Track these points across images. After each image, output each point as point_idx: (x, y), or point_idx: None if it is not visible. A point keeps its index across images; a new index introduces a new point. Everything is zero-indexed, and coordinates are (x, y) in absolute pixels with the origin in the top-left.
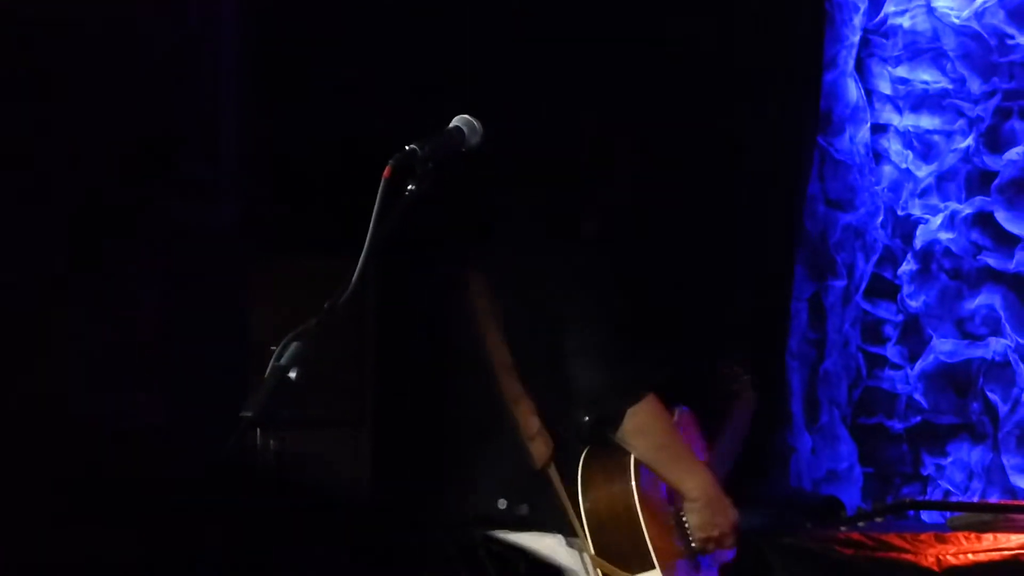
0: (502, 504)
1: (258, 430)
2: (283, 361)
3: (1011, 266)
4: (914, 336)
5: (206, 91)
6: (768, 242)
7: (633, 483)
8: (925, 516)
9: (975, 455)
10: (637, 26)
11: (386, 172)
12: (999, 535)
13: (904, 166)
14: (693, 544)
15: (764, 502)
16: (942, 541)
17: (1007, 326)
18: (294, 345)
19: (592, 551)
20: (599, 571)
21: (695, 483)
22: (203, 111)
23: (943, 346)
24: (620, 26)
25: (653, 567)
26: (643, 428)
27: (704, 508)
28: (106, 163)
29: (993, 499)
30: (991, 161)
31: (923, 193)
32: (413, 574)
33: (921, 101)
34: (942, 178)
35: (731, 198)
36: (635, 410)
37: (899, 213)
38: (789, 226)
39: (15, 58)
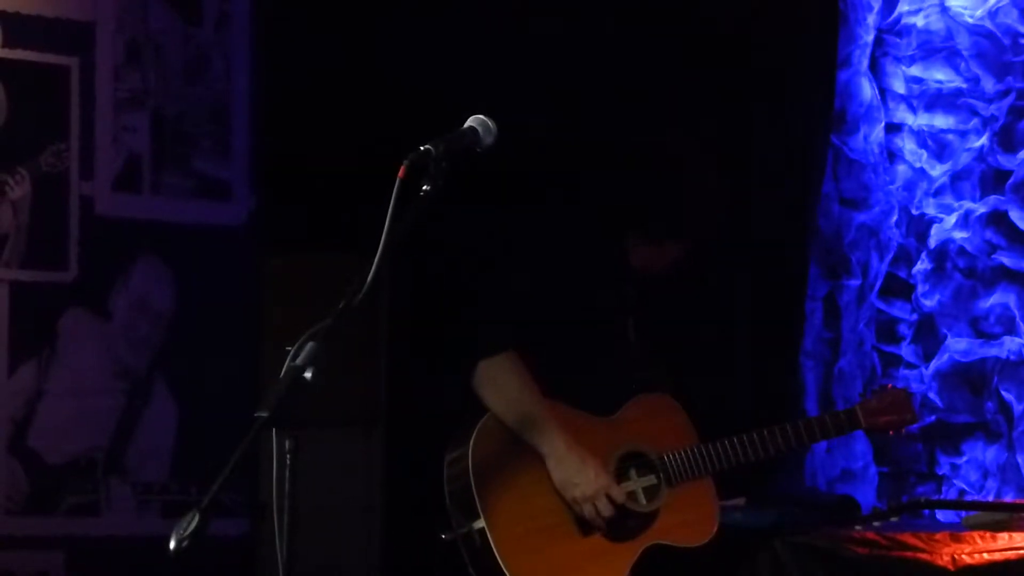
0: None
1: (273, 429)
2: (299, 361)
3: None
4: (928, 335)
5: (219, 90)
6: (782, 241)
7: (472, 440)
8: (940, 515)
9: (990, 454)
10: (650, 26)
11: (401, 172)
12: (1014, 534)
13: (918, 165)
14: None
15: (778, 501)
16: (957, 540)
17: (1022, 325)
18: (309, 345)
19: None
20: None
21: (546, 440)
22: (216, 110)
23: (957, 345)
24: (633, 27)
25: (478, 516)
26: (492, 380)
27: (557, 466)
28: None
29: (1008, 498)
30: (1005, 160)
31: (937, 192)
32: None
33: (935, 100)
34: (956, 177)
35: (745, 197)
36: (488, 363)
37: (913, 212)
38: (803, 225)
39: None
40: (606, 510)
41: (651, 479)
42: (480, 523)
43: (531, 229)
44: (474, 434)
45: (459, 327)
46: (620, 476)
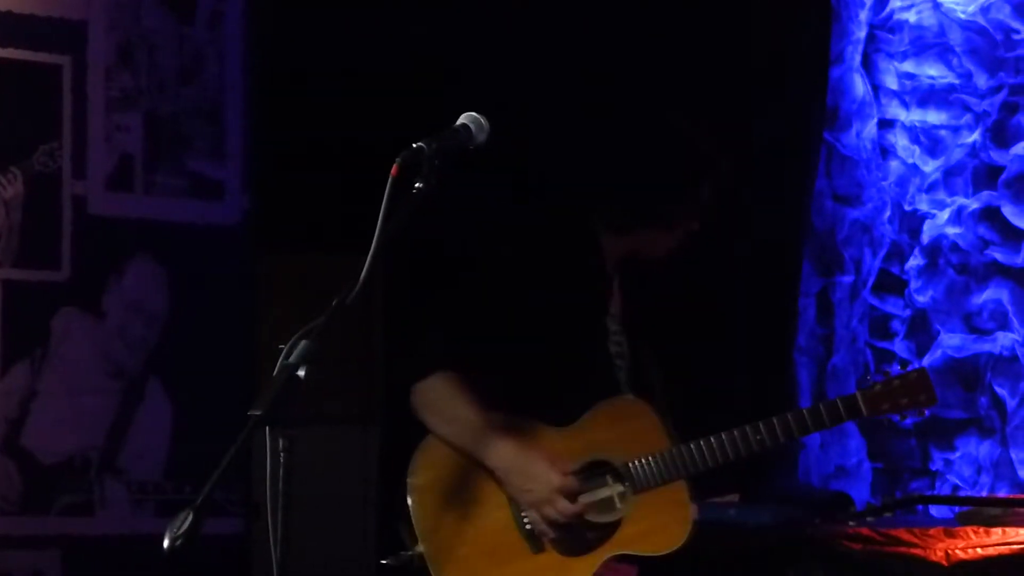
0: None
1: (267, 428)
2: (292, 359)
3: (1018, 260)
4: (922, 331)
5: (213, 89)
6: (776, 238)
7: (412, 464)
8: (934, 511)
9: (983, 449)
10: (643, 24)
11: (393, 170)
12: (1008, 529)
13: (911, 161)
14: (528, 525)
15: (772, 498)
16: (951, 535)
17: (1015, 320)
18: (303, 343)
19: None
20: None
21: (490, 453)
22: (210, 109)
23: (951, 341)
24: (626, 24)
25: (417, 541)
26: (429, 404)
27: (507, 477)
28: None
29: (1002, 493)
30: (998, 156)
31: (930, 188)
32: None
33: (928, 96)
34: (949, 173)
35: (738, 194)
36: (422, 386)
37: (906, 208)
38: (796, 222)
39: None
40: (567, 509)
41: (617, 488)
42: (419, 548)
43: (490, 227)
44: (415, 457)
45: (400, 347)
46: (582, 487)
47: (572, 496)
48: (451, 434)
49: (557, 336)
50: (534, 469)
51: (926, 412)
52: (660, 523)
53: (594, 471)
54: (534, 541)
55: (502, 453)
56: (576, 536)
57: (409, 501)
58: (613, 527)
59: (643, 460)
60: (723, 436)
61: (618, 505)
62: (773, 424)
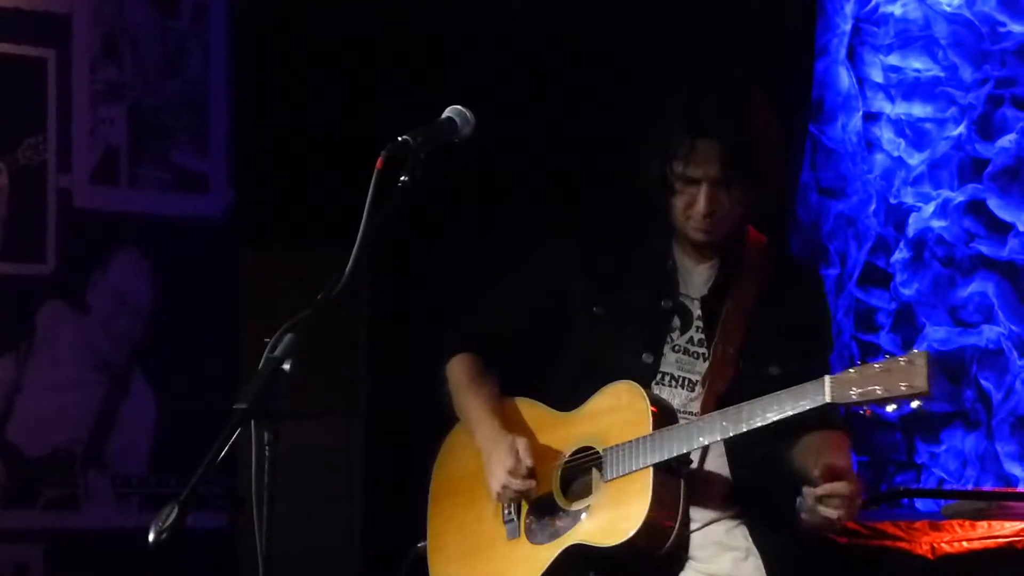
0: None
1: (252, 421)
2: (277, 352)
3: (1004, 253)
4: (907, 324)
5: (197, 82)
6: (761, 231)
7: (438, 455)
8: (919, 504)
9: (969, 443)
10: (626, 16)
11: (378, 163)
12: (993, 523)
13: (896, 154)
14: (506, 512)
15: None
16: (936, 529)
17: (1000, 313)
18: (288, 336)
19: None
20: None
21: (478, 434)
22: (194, 102)
23: (936, 334)
24: (608, 16)
25: (426, 535)
26: (450, 386)
27: (485, 461)
28: None
29: (987, 487)
30: (983, 149)
31: (915, 181)
32: None
33: (913, 89)
34: (934, 166)
35: None
36: (448, 367)
37: (892, 201)
38: (782, 215)
39: None
40: (518, 485)
41: (596, 475)
42: (424, 543)
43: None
44: (440, 449)
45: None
46: (569, 473)
47: (519, 477)
48: (460, 416)
49: (593, 321)
50: (498, 448)
51: (906, 406)
52: (616, 514)
53: (582, 457)
54: (512, 528)
55: (486, 435)
56: (546, 524)
57: (430, 495)
58: (580, 515)
59: (617, 448)
60: (694, 423)
61: (589, 493)
62: (741, 411)
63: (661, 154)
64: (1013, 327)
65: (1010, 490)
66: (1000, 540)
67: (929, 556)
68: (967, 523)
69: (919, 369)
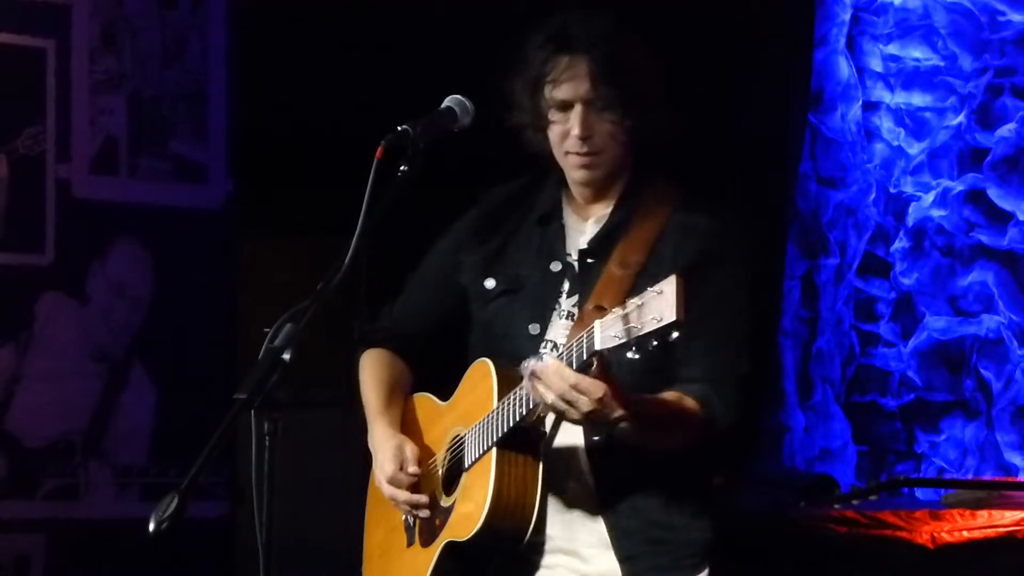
0: None
1: (251, 411)
2: (277, 342)
3: (1004, 243)
4: (907, 314)
5: (196, 72)
6: (760, 221)
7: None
8: (919, 493)
9: (969, 432)
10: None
11: (378, 153)
12: (993, 512)
13: (896, 144)
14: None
15: (757, 481)
16: (936, 518)
17: (1000, 303)
18: (288, 327)
19: None
20: None
21: (370, 438)
22: (193, 92)
23: (936, 323)
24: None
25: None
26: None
27: (373, 468)
28: None
29: (987, 476)
30: (983, 138)
31: (915, 170)
32: None
33: (912, 78)
34: (934, 155)
35: (723, 177)
36: (361, 360)
37: (891, 191)
38: (781, 204)
39: None
40: (401, 496)
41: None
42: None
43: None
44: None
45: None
46: (452, 466)
47: (402, 486)
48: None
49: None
50: (383, 458)
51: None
52: (470, 504)
53: (455, 447)
54: (410, 534)
55: (373, 439)
56: (432, 524)
57: (367, 496)
58: (450, 511)
59: (471, 431)
60: (516, 391)
61: (459, 484)
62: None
63: (530, 83)
64: (1013, 316)
65: (1010, 479)
66: (1000, 529)
67: (929, 545)
68: (967, 512)
69: (668, 298)
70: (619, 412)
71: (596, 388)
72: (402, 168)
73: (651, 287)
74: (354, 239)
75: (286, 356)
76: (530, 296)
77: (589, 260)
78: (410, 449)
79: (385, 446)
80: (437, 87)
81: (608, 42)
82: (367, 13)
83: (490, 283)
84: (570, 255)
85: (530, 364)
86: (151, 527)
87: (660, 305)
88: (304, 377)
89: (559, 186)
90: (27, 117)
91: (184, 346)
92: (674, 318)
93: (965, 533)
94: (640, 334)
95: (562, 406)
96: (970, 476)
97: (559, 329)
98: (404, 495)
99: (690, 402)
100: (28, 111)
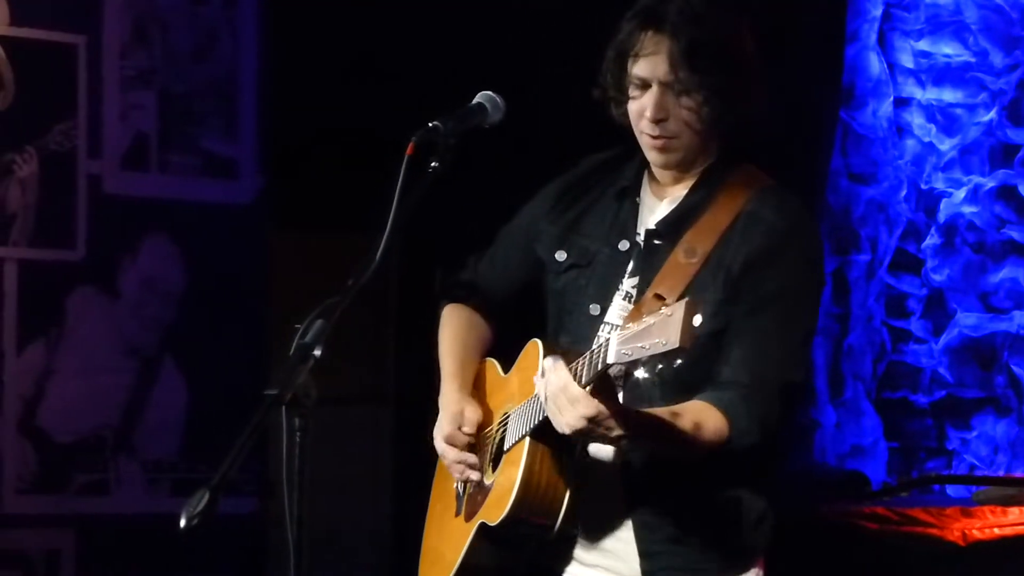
0: None
1: (282, 407)
2: (308, 338)
3: None
4: (938, 310)
5: (227, 67)
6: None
7: None
8: (950, 490)
9: (1000, 429)
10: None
11: (409, 149)
12: None
13: (927, 140)
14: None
15: (788, 477)
16: (967, 515)
17: None
18: (319, 322)
19: None
20: None
21: (440, 398)
22: (224, 88)
23: (967, 320)
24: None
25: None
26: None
27: (436, 426)
28: None
29: (1018, 473)
30: (1014, 134)
31: (946, 167)
32: None
33: (944, 74)
34: (965, 151)
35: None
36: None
37: (922, 187)
38: (812, 201)
39: None
40: (452, 456)
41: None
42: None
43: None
44: None
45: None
46: (500, 441)
47: (456, 447)
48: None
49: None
50: (444, 419)
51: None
52: (501, 489)
53: (502, 424)
54: (459, 503)
55: (442, 398)
56: (475, 498)
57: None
58: (489, 490)
59: (514, 412)
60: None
61: (500, 464)
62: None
63: (616, 55)
64: None
65: None
66: None
67: (960, 542)
68: (998, 509)
69: (675, 322)
70: (616, 432)
71: (587, 405)
72: (433, 164)
73: (664, 307)
74: (385, 235)
75: (317, 352)
76: (596, 274)
77: (656, 242)
78: (471, 411)
79: (450, 408)
80: (468, 83)
81: (696, 25)
82: (398, 8)
83: (561, 255)
84: (639, 234)
85: (547, 362)
86: (182, 523)
87: (667, 328)
88: (335, 373)
89: (644, 161)
90: (58, 113)
91: (215, 341)
92: (677, 344)
93: (996, 530)
94: (646, 355)
95: (551, 408)
96: (1001, 473)
97: (617, 311)
98: (454, 453)
99: (711, 417)
100: (59, 107)
